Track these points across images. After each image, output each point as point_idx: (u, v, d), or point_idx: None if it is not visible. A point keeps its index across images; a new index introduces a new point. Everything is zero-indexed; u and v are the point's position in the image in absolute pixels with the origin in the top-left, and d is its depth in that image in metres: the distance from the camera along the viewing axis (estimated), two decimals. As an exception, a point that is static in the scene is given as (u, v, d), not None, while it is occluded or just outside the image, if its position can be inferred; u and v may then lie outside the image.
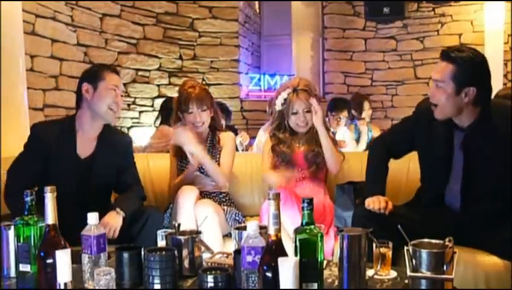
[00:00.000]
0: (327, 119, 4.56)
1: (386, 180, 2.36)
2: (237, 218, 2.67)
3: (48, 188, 1.56)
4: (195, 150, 2.66)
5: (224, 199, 2.77)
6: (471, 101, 2.04)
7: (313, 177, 2.73)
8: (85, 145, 2.38)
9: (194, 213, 2.50)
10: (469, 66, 2.01)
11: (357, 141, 4.71)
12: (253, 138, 4.39)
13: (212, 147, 2.82)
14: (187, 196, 2.54)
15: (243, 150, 4.23)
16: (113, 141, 2.44)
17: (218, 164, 2.76)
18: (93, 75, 2.37)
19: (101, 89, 2.33)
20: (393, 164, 2.79)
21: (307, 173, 2.73)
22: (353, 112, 4.80)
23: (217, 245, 2.36)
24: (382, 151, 2.44)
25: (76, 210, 2.02)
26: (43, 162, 2.29)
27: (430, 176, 2.31)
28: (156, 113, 4.44)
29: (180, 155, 2.80)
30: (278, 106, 2.74)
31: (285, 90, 2.73)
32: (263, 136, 3.88)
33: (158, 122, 4.27)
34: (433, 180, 2.29)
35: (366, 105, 4.88)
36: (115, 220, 2.19)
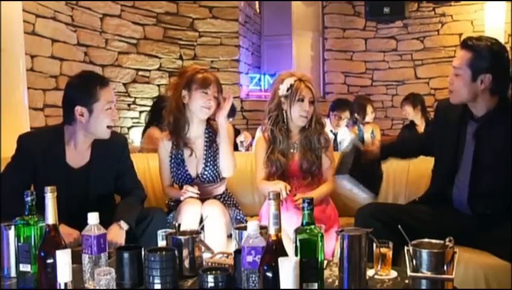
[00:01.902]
0: (328, 119, 4.58)
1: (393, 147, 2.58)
2: (239, 217, 2.64)
3: (48, 188, 1.56)
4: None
5: (224, 200, 2.72)
6: (487, 89, 2.09)
7: (308, 185, 2.64)
8: (77, 155, 2.31)
9: (201, 215, 2.46)
10: (485, 53, 2.08)
11: (362, 142, 4.75)
12: (254, 138, 4.39)
13: (211, 143, 2.68)
14: (190, 212, 2.46)
15: (246, 150, 4.23)
16: (109, 145, 2.35)
17: (217, 156, 2.66)
18: (86, 97, 2.21)
19: (97, 111, 2.22)
20: (394, 164, 2.81)
21: (303, 183, 2.64)
22: (356, 115, 4.82)
23: (220, 246, 2.34)
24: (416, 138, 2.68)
25: (75, 221, 2.01)
26: (31, 174, 2.22)
27: (441, 164, 2.32)
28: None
29: (173, 161, 2.68)
30: (282, 91, 2.59)
31: (290, 77, 2.62)
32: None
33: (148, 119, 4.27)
34: (443, 169, 2.30)
35: (369, 108, 4.91)
36: (119, 237, 2.17)
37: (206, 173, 2.66)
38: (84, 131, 2.27)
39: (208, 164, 2.66)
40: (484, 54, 2.07)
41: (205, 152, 2.68)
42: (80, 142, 2.30)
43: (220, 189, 2.74)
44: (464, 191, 2.20)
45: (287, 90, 2.59)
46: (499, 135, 2.11)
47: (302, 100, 2.59)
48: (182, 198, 2.53)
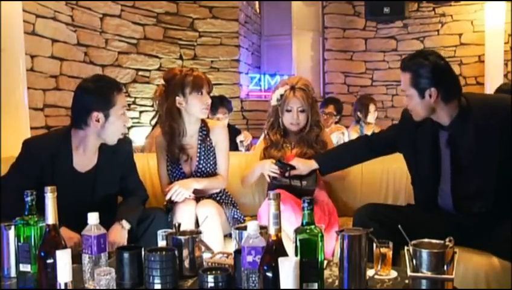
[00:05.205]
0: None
1: (339, 156, 2.64)
2: (236, 216, 2.64)
3: (48, 188, 1.56)
4: (198, 186, 2.58)
5: (220, 199, 2.72)
6: (439, 100, 2.12)
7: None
8: (85, 160, 2.29)
9: (196, 216, 2.48)
10: (422, 70, 2.12)
11: None
12: (255, 137, 4.38)
13: (203, 140, 2.68)
14: (185, 211, 2.47)
15: (246, 150, 4.22)
16: (116, 148, 2.34)
17: (212, 160, 2.69)
18: (104, 102, 2.19)
19: (114, 116, 2.20)
20: (393, 164, 2.82)
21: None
22: (358, 114, 4.84)
23: (217, 246, 2.35)
24: (362, 139, 2.70)
25: (79, 223, 2.00)
26: (37, 179, 2.16)
27: (421, 177, 2.33)
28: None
29: (169, 160, 2.70)
30: (274, 101, 2.72)
31: (283, 86, 2.71)
32: None
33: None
34: (424, 182, 2.31)
35: (372, 107, 4.93)
36: (121, 236, 2.17)
37: (199, 170, 2.67)
38: (96, 136, 2.25)
39: (202, 161, 2.67)
40: (420, 71, 2.12)
41: (198, 150, 2.68)
42: (89, 147, 2.28)
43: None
44: (447, 199, 2.23)
45: (277, 100, 2.72)
46: (470, 138, 2.13)
47: (290, 111, 2.69)
48: (171, 197, 2.50)
